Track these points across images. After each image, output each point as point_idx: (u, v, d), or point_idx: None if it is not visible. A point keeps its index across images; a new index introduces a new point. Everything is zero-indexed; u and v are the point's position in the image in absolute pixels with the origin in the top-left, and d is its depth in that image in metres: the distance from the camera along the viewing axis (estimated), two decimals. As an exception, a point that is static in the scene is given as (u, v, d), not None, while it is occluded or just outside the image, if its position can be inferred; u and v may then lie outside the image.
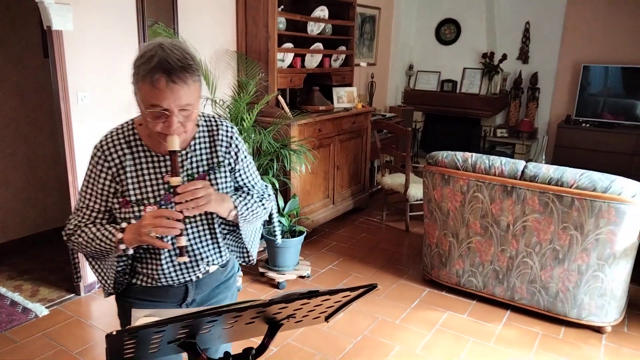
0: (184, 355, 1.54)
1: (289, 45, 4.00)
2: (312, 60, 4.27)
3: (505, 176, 2.93)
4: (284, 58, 3.95)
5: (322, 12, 4.23)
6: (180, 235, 1.25)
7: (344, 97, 4.58)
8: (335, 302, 1.15)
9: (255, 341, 1.19)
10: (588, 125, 5.37)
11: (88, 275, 3.16)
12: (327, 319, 1.26)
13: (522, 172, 2.89)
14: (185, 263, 1.39)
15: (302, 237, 3.41)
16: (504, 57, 5.71)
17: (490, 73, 5.76)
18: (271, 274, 3.36)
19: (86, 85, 2.98)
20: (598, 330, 2.89)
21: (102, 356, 2.58)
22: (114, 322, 2.98)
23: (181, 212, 1.23)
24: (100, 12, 2.97)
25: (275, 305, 1.00)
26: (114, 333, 0.85)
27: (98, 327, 2.83)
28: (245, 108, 3.46)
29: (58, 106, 2.88)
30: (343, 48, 4.61)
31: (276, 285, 3.35)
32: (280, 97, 3.89)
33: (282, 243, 3.31)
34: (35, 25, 3.68)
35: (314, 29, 4.25)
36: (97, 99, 3.05)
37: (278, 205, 3.46)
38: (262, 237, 3.42)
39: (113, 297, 1.50)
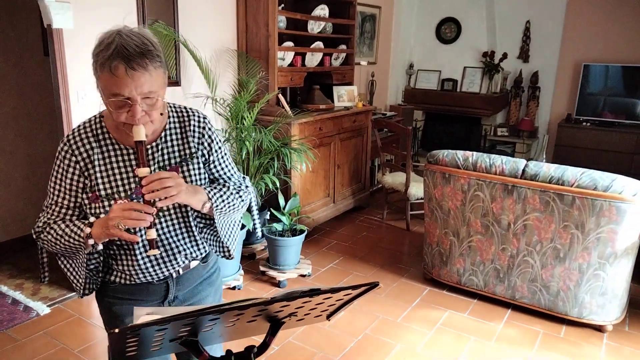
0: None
1: (290, 43, 3.99)
2: (313, 59, 4.27)
3: (506, 175, 2.93)
4: (285, 57, 3.95)
5: (322, 10, 4.22)
6: (150, 227, 1.20)
7: (345, 96, 4.58)
8: (337, 301, 1.15)
9: (257, 339, 1.19)
10: (588, 124, 5.36)
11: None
12: (328, 317, 1.26)
13: (523, 171, 2.89)
14: (162, 257, 1.35)
15: (302, 236, 3.41)
16: (505, 56, 5.70)
17: (491, 72, 5.76)
18: (272, 273, 3.36)
19: (86, 84, 2.98)
20: (599, 329, 2.89)
21: (104, 354, 2.58)
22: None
23: (153, 203, 1.18)
24: (101, 11, 2.97)
25: (277, 303, 1.00)
26: (117, 331, 0.85)
27: (99, 325, 2.83)
28: (245, 107, 3.46)
29: (58, 104, 2.88)
30: (343, 47, 4.61)
31: (277, 284, 3.35)
32: (280, 96, 3.89)
33: (282, 242, 3.32)
34: (36, 23, 3.68)
35: (314, 27, 4.25)
36: (97, 97, 3.02)
37: (278, 203, 3.46)
38: (263, 235, 3.42)
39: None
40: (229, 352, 1.15)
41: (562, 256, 2.82)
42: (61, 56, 2.81)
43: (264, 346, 1.16)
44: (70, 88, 2.89)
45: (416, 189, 4.26)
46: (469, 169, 3.04)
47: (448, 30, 6.12)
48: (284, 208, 3.46)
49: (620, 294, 2.78)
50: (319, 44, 4.26)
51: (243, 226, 3.23)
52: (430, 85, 6.25)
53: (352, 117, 4.43)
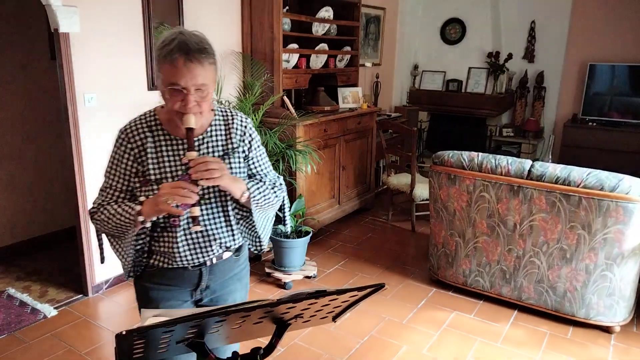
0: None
1: (294, 46, 4.00)
2: (317, 61, 4.28)
3: (512, 176, 2.92)
4: (289, 59, 3.96)
5: (327, 12, 4.23)
6: (194, 205, 1.31)
7: (349, 98, 4.59)
8: (342, 302, 1.16)
9: (263, 341, 1.19)
10: (595, 124, 5.33)
11: (96, 276, 3.18)
12: (334, 318, 1.26)
13: (529, 171, 2.88)
14: (199, 243, 1.45)
15: (308, 238, 3.42)
16: (510, 56, 5.69)
17: (496, 72, 5.74)
18: (277, 274, 3.37)
19: (93, 87, 3.00)
20: (607, 330, 2.87)
21: (110, 356, 2.59)
22: (122, 322, 3.00)
23: (196, 182, 1.29)
24: (107, 15, 2.99)
25: (282, 305, 1.01)
26: (124, 333, 0.86)
27: (106, 327, 2.85)
28: (250, 109, 3.47)
29: (65, 108, 2.90)
30: (348, 48, 4.61)
31: (282, 286, 3.35)
32: (285, 98, 3.90)
33: (288, 243, 3.32)
34: (43, 27, 3.71)
35: (318, 29, 4.26)
36: (103, 101, 3.07)
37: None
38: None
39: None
40: (235, 353, 1.15)
41: (568, 257, 2.81)
42: (68, 60, 2.83)
43: (270, 348, 1.17)
44: (77, 91, 2.91)
45: (421, 190, 4.26)
46: (475, 169, 3.04)
47: (453, 31, 6.11)
48: (289, 209, 3.46)
49: (627, 294, 2.76)
50: (323, 46, 4.27)
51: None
52: (435, 86, 6.24)
53: (356, 118, 4.43)
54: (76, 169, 2.98)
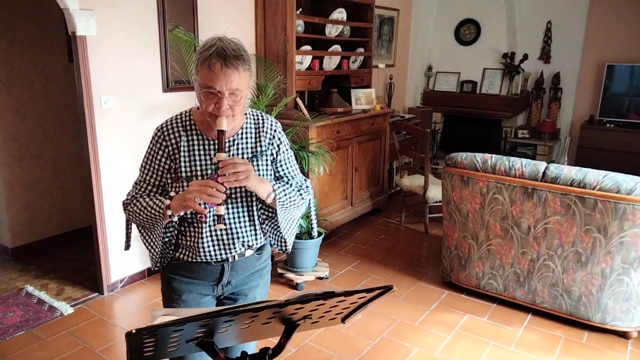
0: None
1: (307, 47, 4.02)
2: (331, 62, 4.28)
3: (526, 178, 2.89)
4: (303, 60, 3.97)
5: (340, 14, 4.24)
6: (220, 205, 1.36)
7: (362, 99, 4.58)
8: (351, 304, 1.16)
9: (273, 341, 1.20)
10: (612, 125, 5.25)
11: (111, 275, 3.23)
12: (343, 320, 1.27)
13: (544, 173, 2.85)
14: (223, 239, 1.51)
15: (320, 239, 3.42)
16: (525, 57, 5.62)
17: (511, 73, 5.68)
18: (290, 275, 3.38)
19: (109, 89, 3.05)
20: (623, 335, 2.82)
21: (124, 355, 2.62)
22: (136, 321, 3.04)
23: (222, 183, 1.35)
24: (123, 18, 3.04)
25: (291, 305, 1.02)
26: (133, 331, 0.88)
27: (120, 325, 2.89)
28: (264, 110, 3.49)
29: (82, 109, 2.95)
30: (361, 50, 4.61)
31: (294, 287, 3.36)
32: (298, 99, 3.91)
33: (300, 244, 3.33)
34: (61, 31, 3.79)
35: (332, 31, 4.26)
36: (119, 102, 3.11)
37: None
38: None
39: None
40: (244, 353, 1.16)
41: (584, 260, 2.77)
42: (85, 62, 2.89)
43: (279, 348, 1.18)
44: (94, 93, 2.96)
45: (434, 192, 4.24)
46: (488, 171, 3.01)
47: (467, 31, 6.06)
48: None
49: (644, 299, 2.72)
50: (336, 48, 4.28)
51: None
52: (449, 87, 6.20)
53: (370, 119, 4.42)
54: (93, 169, 3.03)
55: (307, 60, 4.02)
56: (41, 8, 3.67)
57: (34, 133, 3.78)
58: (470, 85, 6.04)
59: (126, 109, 3.16)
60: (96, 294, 3.23)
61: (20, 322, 2.87)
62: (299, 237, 3.39)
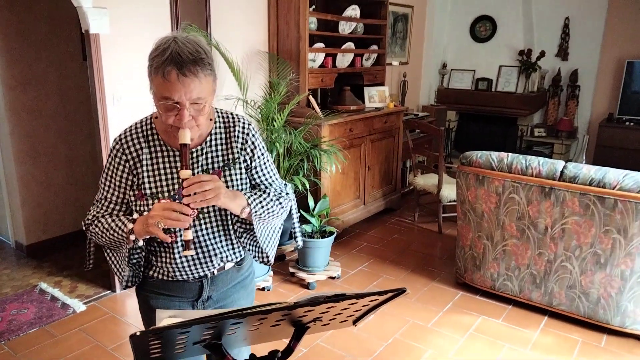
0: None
1: (320, 45, 3.98)
2: (344, 60, 4.24)
3: (543, 177, 2.82)
4: (315, 58, 3.94)
5: (353, 11, 4.19)
6: (187, 229, 1.24)
7: (376, 97, 4.54)
8: (362, 306, 1.13)
9: (286, 342, 1.17)
10: (632, 123, 5.12)
11: (123, 272, 3.24)
12: (354, 322, 1.24)
13: (561, 172, 2.78)
14: (199, 258, 1.38)
15: (332, 238, 3.39)
16: (542, 54, 5.52)
17: (528, 71, 5.59)
18: (301, 274, 3.36)
19: (122, 87, 3.05)
20: (643, 339, 2.75)
21: (136, 352, 2.63)
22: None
23: (189, 205, 1.21)
24: (136, 16, 3.04)
25: (300, 308, 0.99)
26: (138, 334, 0.85)
27: (132, 323, 2.90)
28: (276, 108, 3.47)
29: (95, 107, 2.96)
30: (375, 47, 4.56)
31: (306, 286, 3.34)
32: (311, 97, 3.89)
33: (312, 243, 3.30)
34: (75, 29, 3.81)
35: (345, 28, 4.22)
36: (132, 100, 3.12)
37: (308, 205, 3.45)
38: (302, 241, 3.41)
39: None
40: (252, 356, 1.14)
41: (602, 262, 2.70)
42: (98, 60, 2.89)
43: (288, 351, 1.15)
44: (107, 91, 2.96)
45: (449, 191, 4.18)
46: (504, 170, 2.95)
47: (483, 28, 5.98)
48: (313, 209, 3.45)
49: (666, 303, 2.64)
50: (350, 45, 4.24)
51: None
52: (464, 85, 6.12)
53: (383, 118, 4.38)
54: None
55: (320, 57, 3.99)
56: (56, 7, 3.70)
57: (49, 131, 3.81)
58: (485, 83, 5.95)
59: (139, 107, 3.16)
60: (109, 291, 3.24)
61: (34, 318, 2.90)
62: (310, 236, 3.37)
